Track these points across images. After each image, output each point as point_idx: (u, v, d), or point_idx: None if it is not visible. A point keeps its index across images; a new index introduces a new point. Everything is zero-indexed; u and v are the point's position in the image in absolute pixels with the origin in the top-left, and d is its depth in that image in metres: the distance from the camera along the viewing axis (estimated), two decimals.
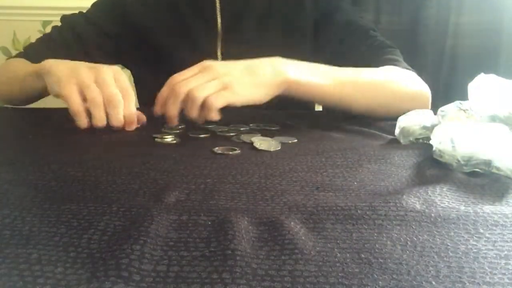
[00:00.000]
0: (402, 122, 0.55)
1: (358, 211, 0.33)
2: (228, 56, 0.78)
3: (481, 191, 0.39)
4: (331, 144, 0.54)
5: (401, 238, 0.30)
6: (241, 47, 0.80)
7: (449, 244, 0.29)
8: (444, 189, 0.38)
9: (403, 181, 0.41)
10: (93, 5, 0.90)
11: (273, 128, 0.63)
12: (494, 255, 0.28)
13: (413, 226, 0.31)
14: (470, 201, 0.36)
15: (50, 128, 0.65)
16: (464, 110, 0.50)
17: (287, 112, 0.74)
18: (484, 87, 0.49)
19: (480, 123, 0.48)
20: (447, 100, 0.54)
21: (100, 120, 0.57)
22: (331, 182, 0.41)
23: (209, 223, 0.32)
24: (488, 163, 0.43)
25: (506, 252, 0.28)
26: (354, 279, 0.25)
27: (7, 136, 0.60)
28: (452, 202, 0.36)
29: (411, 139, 0.55)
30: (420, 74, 0.78)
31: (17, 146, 0.54)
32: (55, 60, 0.64)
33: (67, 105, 0.58)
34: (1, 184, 0.38)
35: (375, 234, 0.30)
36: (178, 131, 0.60)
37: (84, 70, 0.58)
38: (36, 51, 0.83)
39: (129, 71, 0.94)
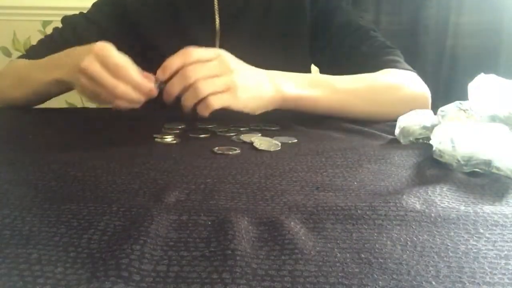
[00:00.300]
0: (402, 122, 0.55)
1: (358, 211, 0.33)
2: None
3: (481, 191, 0.39)
4: (331, 144, 0.54)
5: (401, 238, 0.30)
6: (239, 47, 0.80)
7: (449, 244, 0.29)
8: (444, 189, 0.38)
9: (403, 181, 0.41)
10: (94, 5, 0.91)
11: (273, 128, 0.63)
12: (494, 255, 0.28)
13: (413, 226, 0.31)
14: (470, 201, 0.36)
15: (50, 128, 0.65)
16: (464, 110, 0.50)
17: (287, 112, 0.74)
18: (484, 87, 0.49)
19: (480, 123, 0.48)
20: (447, 100, 0.54)
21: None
22: (331, 182, 0.41)
23: (209, 223, 0.32)
24: (488, 163, 0.43)
25: (506, 252, 0.28)
26: (354, 279, 0.25)
27: (7, 136, 0.60)
28: (452, 202, 0.36)
29: (411, 139, 0.55)
30: (420, 74, 0.78)
31: (17, 146, 0.53)
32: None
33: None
34: (1, 184, 0.38)
35: (375, 234, 0.30)
36: (178, 131, 0.60)
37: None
38: (38, 53, 0.83)
39: None
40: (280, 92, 0.64)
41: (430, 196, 0.37)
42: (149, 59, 0.94)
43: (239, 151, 0.51)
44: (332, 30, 0.85)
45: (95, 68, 0.56)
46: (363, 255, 0.27)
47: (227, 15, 0.85)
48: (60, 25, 0.89)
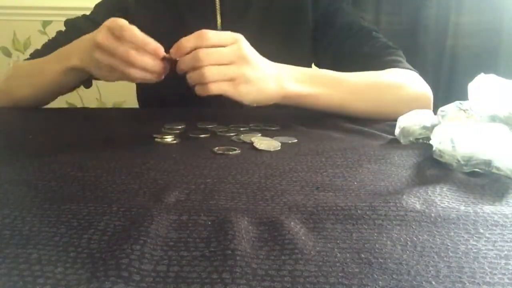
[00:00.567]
0: (402, 122, 0.55)
1: (358, 211, 0.33)
2: None
3: (481, 191, 0.39)
4: (331, 144, 0.54)
5: (401, 238, 0.30)
6: None
7: (449, 244, 0.29)
8: (444, 189, 0.38)
9: (403, 181, 0.41)
10: (96, 6, 0.91)
11: (273, 128, 0.63)
12: (494, 255, 0.28)
13: (413, 226, 0.31)
14: (470, 201, 0.36)
15: (50, 128, 0.65)
16: (464, 110, 0.50)
17: (287, 112, 0.74)
18: (484, 87, 0.49)
19: (480, 123, 0.48)
20: (447, 100, 0.54)
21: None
22: (331, 182, 0.41)
23: (209, 223, 0.32)
24: (488, 163, 0.43)
25: (506, 252, 0.28)
26: (354, 279, 0.25)
27: (7, 136, 0.60)
28: (452, 202, 0.36)
29: (411, 139, 0.55)
30: (420, 74, 0.78)
31: (17, 146, 0.54)
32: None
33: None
34: (1, 184, 0.38)
35: (375, 234, 0.30)
36: (178, 131, 0.60)
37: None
38: (43, 55, 0.83)
39: None
40: (283, 89, 0.64)
41: (430, 196, 0.37)
42: None
43: (239, 151, 0.51)
44: (334, 32, 0.85)
45: (109, 39, 0.58)
46: (363, 255, 0.27)
47: (228, 15, 0.85)
48: (60, 26, 0.89)
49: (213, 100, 0.63)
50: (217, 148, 0.51)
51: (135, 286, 0.24)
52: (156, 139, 0.56)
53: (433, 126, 0.50)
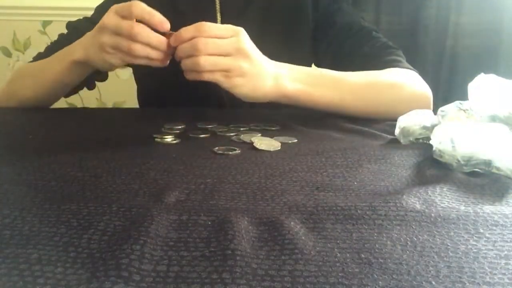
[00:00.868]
0: (402, 122, 0.55)
1: (358, 211, 0.33)
2: None
3: (481, 191, 0.39)
4: (331, 144, 0.54)
5: (401, 238, 0.30)
6: None
7: (449, 244, 0.29)
8: (444, 189, 0.38)
9: (403, 181, 0.41)
10: (97, 8, 0.91)
11: (273, 128, 0.63)
12: (494, 255, 0.28)
13: (413, 226, 0.31)
14: (470, 201, 0.36)
15: (50, 128, 0.65)
16: (464, 110, 0.50)
17: (287, 112, 0.74)
18: (484, 87, 0.49)
19: (480, 123, 0.48)
20: (447, 100, 0.54)
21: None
22: (331, 182, 0.41)
23: (209, 223, 0.32)
24: (488, 163, 0.43)
25: (506, 252, 0.28)
26: (354, 279, 0.25)
27: (7, 136, 0.60)
28: (452, 202, 0.36)
29: (411, 139, 0.55)
30: (420, 74, 0.78)
31: (17, 146, 0.54)
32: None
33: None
34: (1, 184, 0.38)
35: (375, 234, 0.30)
36: (178, 131, 0.60)
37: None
38: (46, 57, 0.83)
39: (130, 69, 0.94)
40: (281, 87, 0.64)
41: (430, 196, 0.37)
42: None
43: (239, 151, 0.51)
44: (334, 32, 0.85)
45: (114, 18, 0.59)
46: (363, 255, 0.27)
47: (228, 15, 0.85)
48: (60, 26, 0.89)
49: (213, 100, 0.63)
50: (217, 148, 0.51)
51: (135, 286, 0.24)
52: (156, 139, 0.56)
53: (433, 126, 0.50)
